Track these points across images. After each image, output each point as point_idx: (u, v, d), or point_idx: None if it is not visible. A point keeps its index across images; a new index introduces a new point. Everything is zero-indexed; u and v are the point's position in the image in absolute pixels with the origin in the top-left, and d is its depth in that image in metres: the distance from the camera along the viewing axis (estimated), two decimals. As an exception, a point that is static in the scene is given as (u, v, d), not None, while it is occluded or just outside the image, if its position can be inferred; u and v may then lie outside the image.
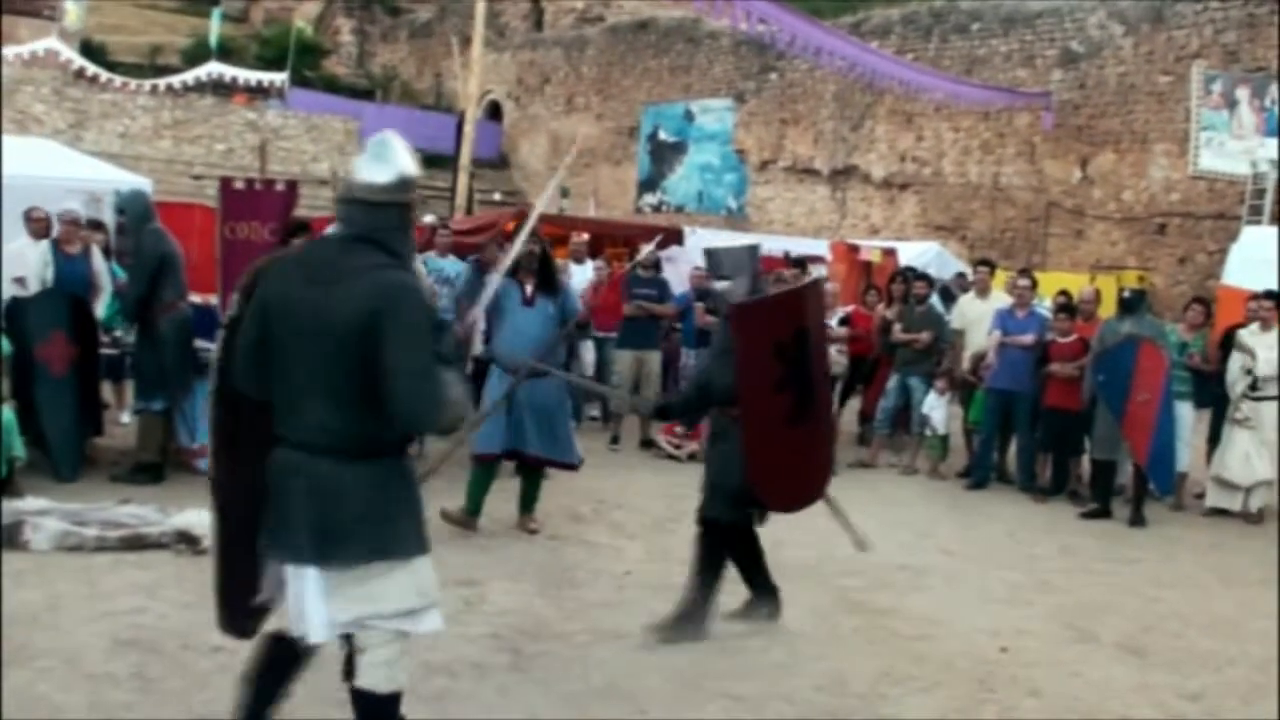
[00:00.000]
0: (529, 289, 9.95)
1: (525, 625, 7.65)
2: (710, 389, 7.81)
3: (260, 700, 4.97)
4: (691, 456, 14.11)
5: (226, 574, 4.99)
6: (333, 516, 4.58)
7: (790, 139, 35.01)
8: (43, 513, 8.77)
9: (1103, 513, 12.27)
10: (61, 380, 10.76)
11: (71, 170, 18.21)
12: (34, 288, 11.79)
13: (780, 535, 10.44)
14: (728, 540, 7.84)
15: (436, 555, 8.21)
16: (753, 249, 9.71)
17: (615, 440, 14.67)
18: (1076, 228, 27.92)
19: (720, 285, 8.52)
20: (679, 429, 14.35)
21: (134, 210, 11.05)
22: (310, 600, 4.64)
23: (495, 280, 6.40)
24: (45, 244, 12.41)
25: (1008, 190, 29.33)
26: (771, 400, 7.30)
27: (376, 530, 4.60)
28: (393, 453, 4.72)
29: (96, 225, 13.99)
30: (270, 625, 5.03)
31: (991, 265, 15.73)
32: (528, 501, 10.31)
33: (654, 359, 14.85)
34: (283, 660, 4.97)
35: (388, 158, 4.64)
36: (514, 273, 9.62)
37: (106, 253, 13.41)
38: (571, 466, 10.38)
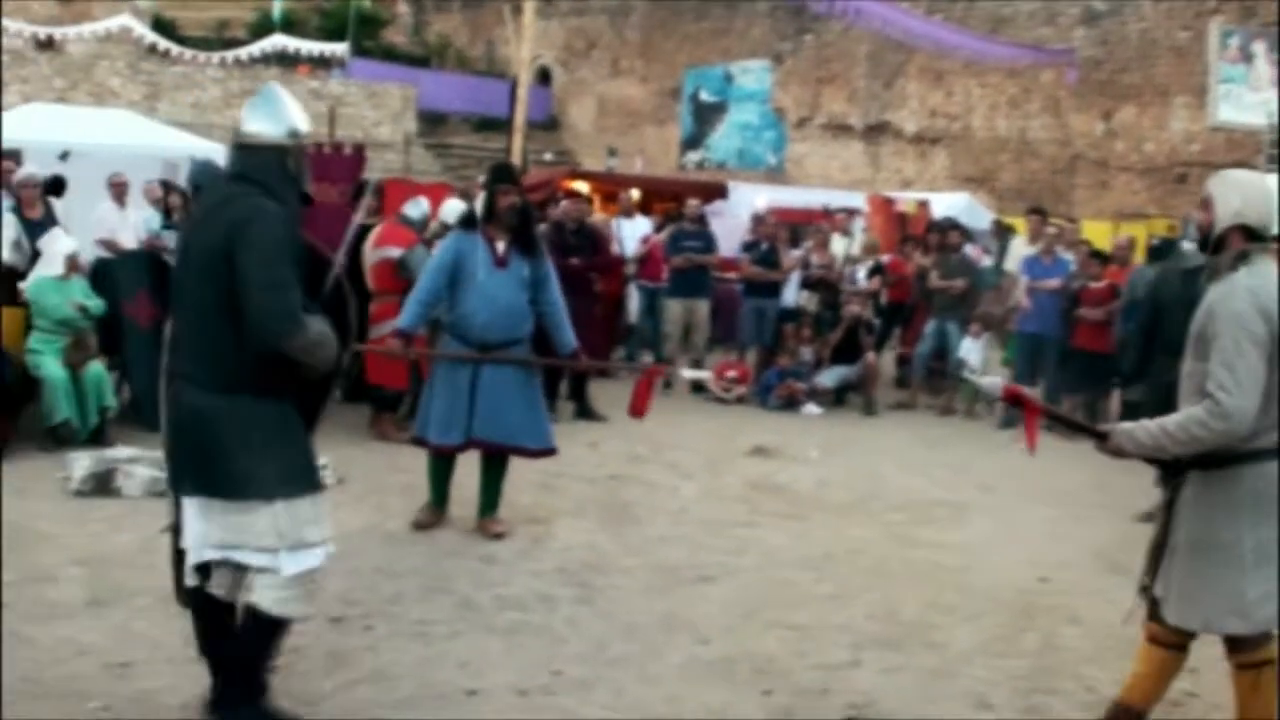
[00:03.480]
0: (500, 247, 7.97)
1: (590, 560, 7.66)
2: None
3: (219, 669, 4.94)
4: (740, 400, 14.10)
5: (177, 538, 4.97)
6: (197, 446, 4.65)
7: (826, 97, 34.73)
8: (133, 460, 8.79)
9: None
10: (146, 335, 10.61)
11: (151, 139, 18.24)
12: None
13: (828, 475, 10.48)
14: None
15: (507, 499, 8.27)
16: None
17: (668, 385, 14.60)
18: (1101, 178, 27.63)
19: (1187, 246, 8.86)
20: (730, 374, 14.33)
21: (210, 182, 10.75)
22: (191, 521, 4.72)
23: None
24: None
25: (1034, 143, 29.03)
26: None
27: (236, 467, 4.60)
28: (261, 389, 4.67)
29: (170, 189, 13.91)
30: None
31: (1043, 213, 15.43)
32: (488, 501, 8.26)
33: (703, 308, 14.76)
34: (212, 617, 4.96)
35: (268, 107, 4.86)
36: (479, 228, 8.03)
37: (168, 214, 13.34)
38: (546, 452, 8.25)
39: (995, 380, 4.89)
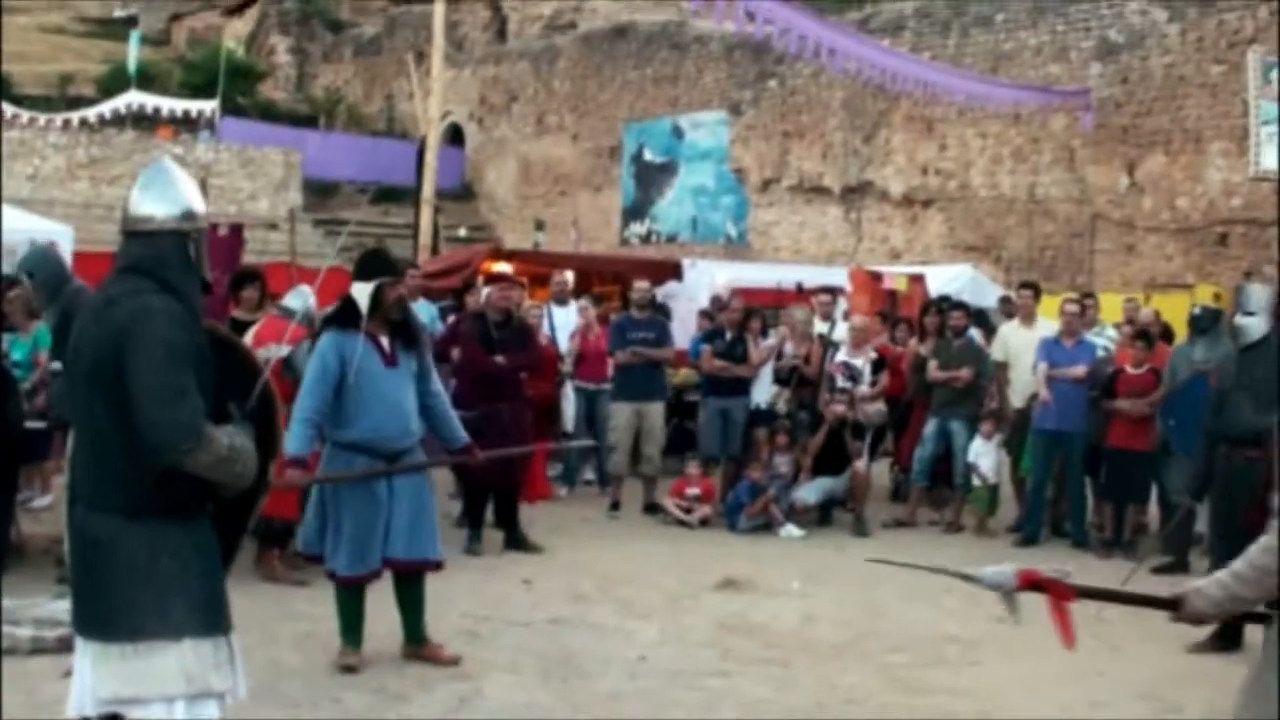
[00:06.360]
0: (387, 344, 8.48)
1: (530, 724, 7.61)
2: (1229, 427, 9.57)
3: None
4: (704, 522, 14.07)
5: None
6: (95, 581, 4.77)
7: (795, 154, 35.04)
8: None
9: (1178, 566, 12.06)
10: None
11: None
12: None
13: (814, 610, 10.48)
14: None
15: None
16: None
17: (615, 506, 14.59)
18: (1126, 242, 27.91)
19: (1241, 321, 9.20)
20: (690, 491, 14.30)
21: (45, 271, 10.46)
22: (81, 671, 4.83)
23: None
24: None
25: (1046, 202, 29.33)
26: None
27: (139, 602, 4.71)
28: (167, 511, 4.80)
29: (13, 284, 13.85)
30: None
31: (1036, 288, 15.70)
32: (417, 626, 8.72)
33: (656, 411, 14.80)
34: None
35: (160, 186, 4.96)
36: (358, 325, 8.38)
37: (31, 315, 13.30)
38: (438, 565, 8.74)
39: (1002, 570, 4.77)
